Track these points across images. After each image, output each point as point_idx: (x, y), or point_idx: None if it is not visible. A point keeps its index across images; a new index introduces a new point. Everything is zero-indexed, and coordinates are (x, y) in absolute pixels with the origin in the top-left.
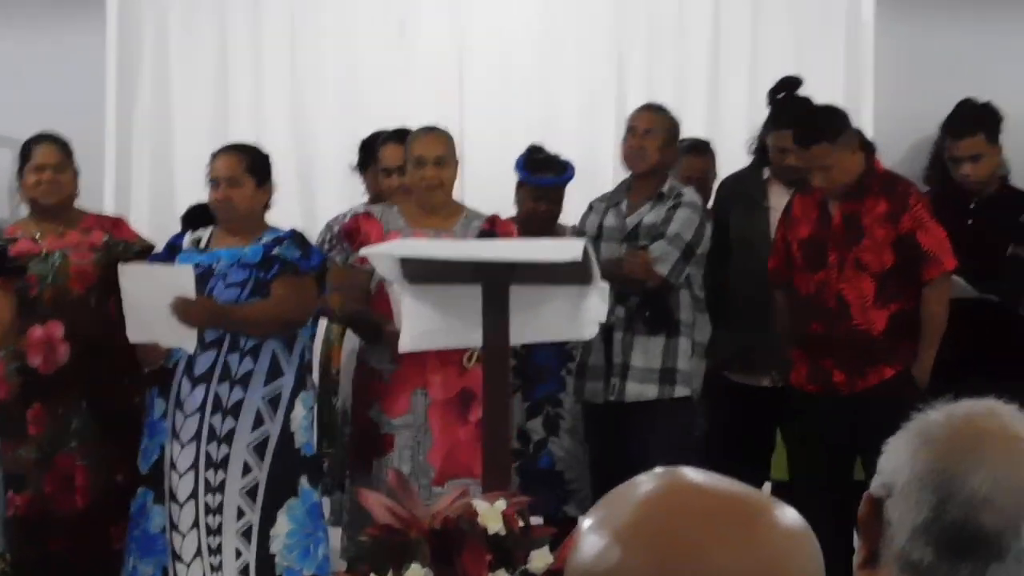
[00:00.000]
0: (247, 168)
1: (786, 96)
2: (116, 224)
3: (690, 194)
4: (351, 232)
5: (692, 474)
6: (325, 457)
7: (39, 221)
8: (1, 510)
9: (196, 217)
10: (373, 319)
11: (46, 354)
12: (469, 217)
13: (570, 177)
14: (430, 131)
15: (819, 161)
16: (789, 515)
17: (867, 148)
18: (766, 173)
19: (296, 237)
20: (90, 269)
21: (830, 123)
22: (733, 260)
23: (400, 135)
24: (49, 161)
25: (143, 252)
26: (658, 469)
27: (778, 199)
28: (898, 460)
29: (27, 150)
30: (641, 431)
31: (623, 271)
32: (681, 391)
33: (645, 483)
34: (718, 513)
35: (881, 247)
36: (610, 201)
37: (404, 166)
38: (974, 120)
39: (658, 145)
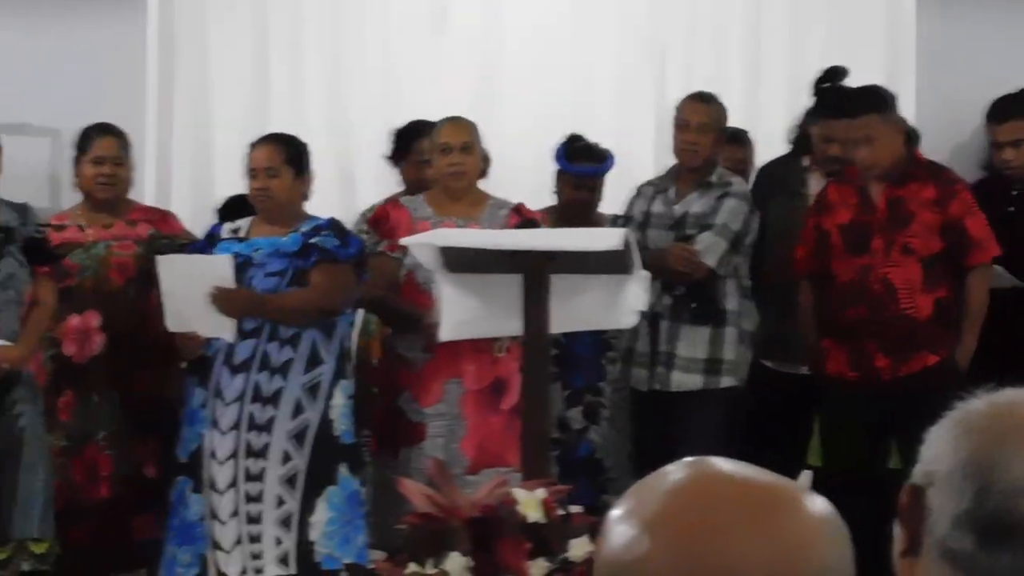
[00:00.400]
0: (285, 158)
1: (831, 86)
2: (163, 217)
3: (738, 184)
4: (379, 220)
5: (720, 463)
6: (365, 445)
7: (87, 210)
8: (50, 497)
9: (232, 209)
10: (404, 308)
11: (80, 343)
12: (495, 205)
13: (610, 166)
14: (455, 120)
15: (865, 131)
16: (816, 504)
17: (911, 138)
18: (805, 162)
19: (335, 225)
20: (131, 261)
21: (881, 98)
22: (770, 248)
23: (420, 127)
24: (109, 154)
25: (186, 247)
26: (687, 458)
27: (817, 188)
28: (939, 449)
29: (86, 140)
30: (685, 420)
31: (669, 264)
32: (727, 381)
33: (673, 472)
34: (745, 502)
35: (930, 232)
36: (658, 187)
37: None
38: (1016, 104)
39: (712, 140)
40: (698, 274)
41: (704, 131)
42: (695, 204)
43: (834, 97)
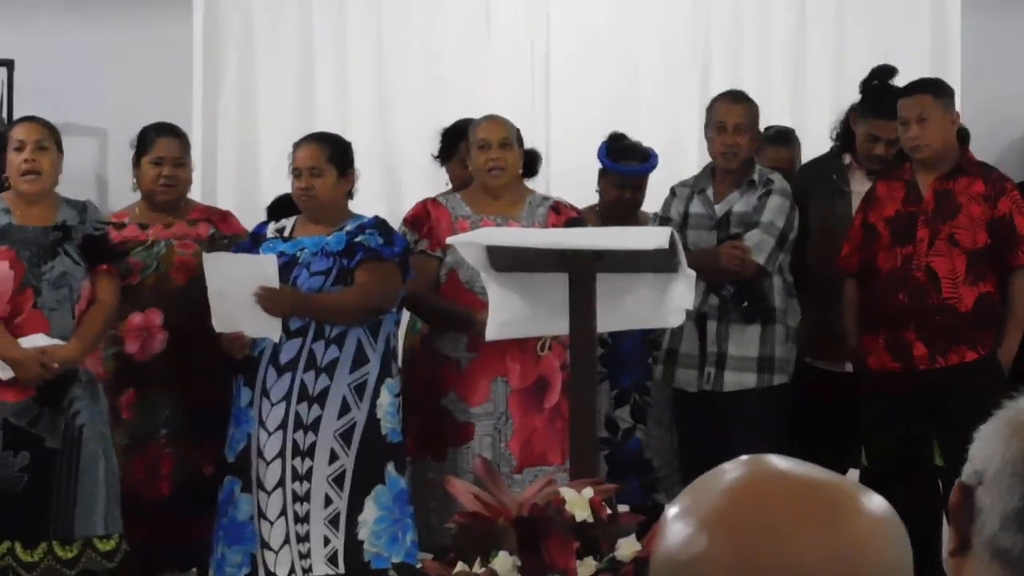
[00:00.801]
0: (329, 157)
1: (880, 84)
2: (224, 217)
3: (779, 180)
4: (418, 219)
5: (777, 461)
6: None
7: (147, 209)
8: (116, 489)
9: (282, 208)
10: (447, 307)
11: (143, 341)
12: (533, 203)
13: (654, 165)
14: (493, 117)
15: (919, 110)
16: (875, 502)
17: (962, 137)
18: (847, 159)
19: (380, 224)
20: (192, 261)
21: (939, 84)
22: (813, 245)
23: (465, 126)
24: (169, 155)
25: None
26: (743, 457)
27: (860, 185)
28: (989, 447)
29: (146, 140)
30: (739, 419)
31: (721, 264)
32: (779, 379)
33: (731, 471)
34: (803, 500)
35: (976, 225)
36: (694, 187)
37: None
38: None
39: (749, 139)
40: (748, 272)
41: (742, 131)
42: (738, 203)
43: (882, 96)
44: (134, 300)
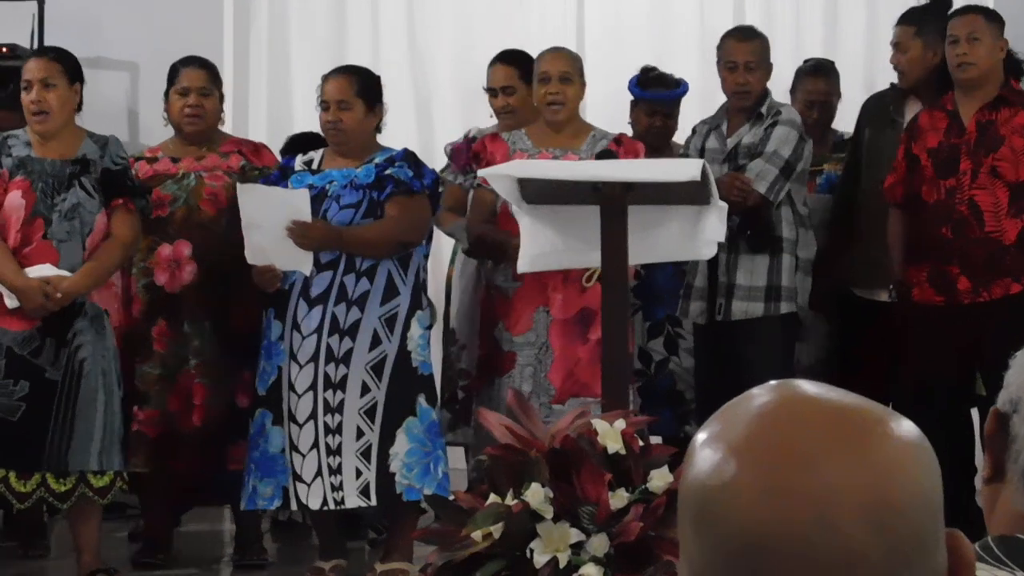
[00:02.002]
0: (357, 91)
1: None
2: (256, 149)
3: (788, 111)
4: (478, 153)
5: (807, 386)
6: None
7: (180, 142)
8: (121, 429)
9: (296, 147)
10: (501, 237)
11: (172, 272)
12: (596, 137)
13: (684, 92)
14: (557, 49)
15: (970, 29)
16: (905, 427)
17: (1014, 65)
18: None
19: (409, 156)
20: (222, 192)
21: (991, 9)
22: (864, 175)
23: (506, 56)
24: (195, 85)
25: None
26: (772, 382)
27: (912, 114)
28: None
29: (174, 73)
30: (748, 348)
31: (721, 194)
32: (787, 307)
33: (759, 396)
34: (832, 425)
35: (1019, 157)
36: (712, 123)
37: (508, 87)
38: None
39: (761, 75)
40: (750, 201)
41: (752, 69)
42: (746, 136)
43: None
44: (163, 232)
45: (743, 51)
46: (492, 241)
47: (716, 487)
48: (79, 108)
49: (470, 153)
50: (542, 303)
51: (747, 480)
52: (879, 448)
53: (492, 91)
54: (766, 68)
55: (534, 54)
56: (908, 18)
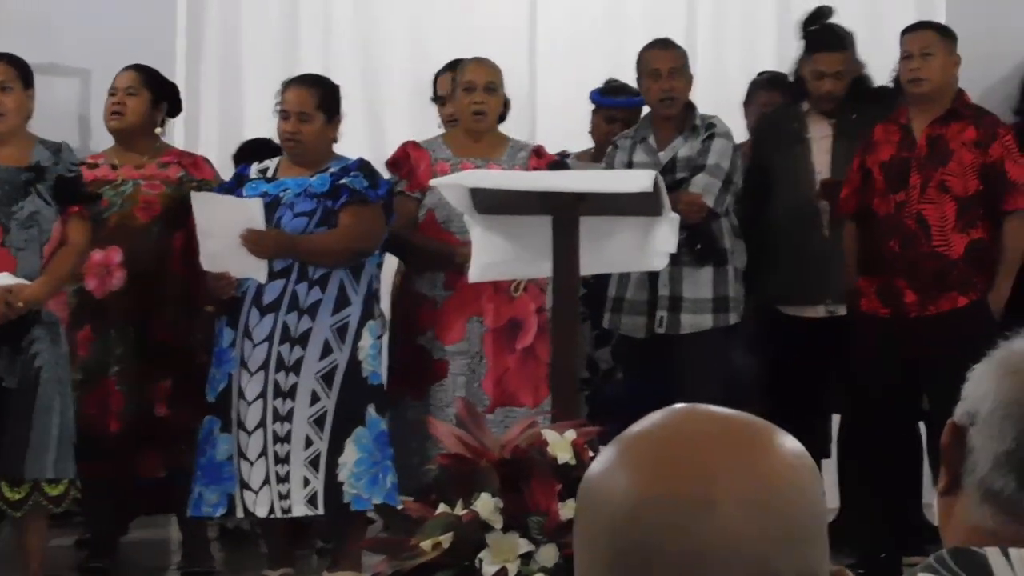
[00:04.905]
0: (318, 103)
1: (820, 27)
2: (196, 162)
3: (721, 124)
4: (399, 161)
5: (703, 405)
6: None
7: (121, 150)
8: (73, 436)
9: (248, 154)
10: (429, 245)
11: (101, 278)
12: (514, 147)
13: (643, 100)
14: (480, 59)
15: (923, 46)
16: (789, 441)
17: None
18: (805, 107)
19: (364, 166)
20: (157, 200)
21: (944, 26)
22: (776, 194)
23: (455, 65)
24: (122, 85)
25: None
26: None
27: (818, 130)
28: (983, 388)
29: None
30: (696, 360)
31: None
32: (733, 318)
33: (658, 412)
34: (719, 430)
35: (967, 172)
36: (636, 136)
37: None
38: None
39: (685, 83)
40: (699, 216)
41: (676, 75)
42: (682, 148)
43: (822, 32)
44: (96, 237)
45: (665, 59)
46: (419, 247)
47: (598, 475)
48: (30, 115)
49: (390, 161)
50: (475, 312)
51: (627, 468)
52: (762, 452)
53: (440, 100)
54: (688, 77)
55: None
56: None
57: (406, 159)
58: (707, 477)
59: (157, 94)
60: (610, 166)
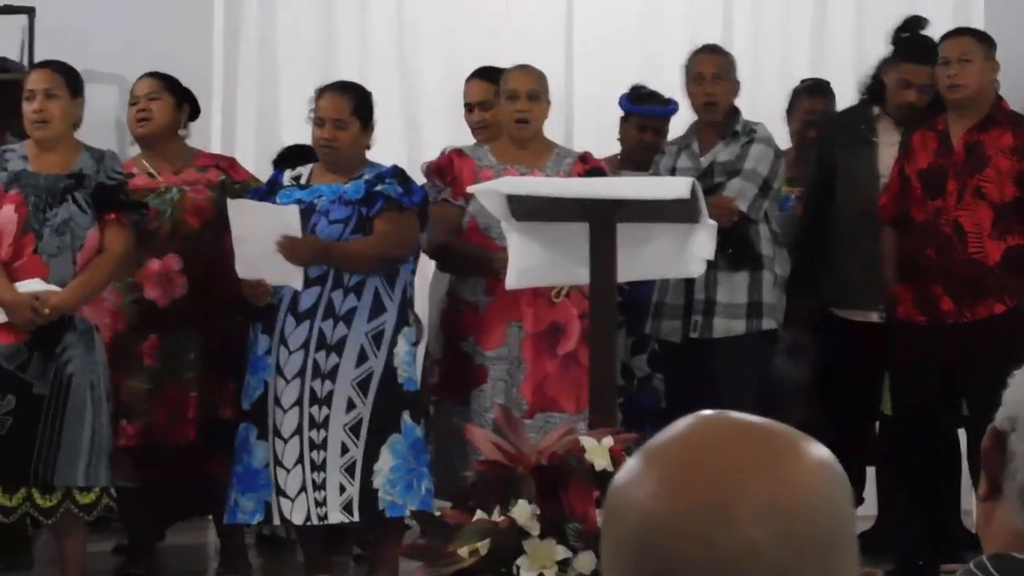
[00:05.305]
0: (353, 110)
1: (912, 35)
2: (231, 164)
3: (763, 130)
4: (443, 169)
5: (730, 412)
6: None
7: (152, 158)
8: (108, 444)
9: (288, 159)
10: (471, 251)
11: (163, 287)
12: (560, 154)
13: (675, 110)
14: (524, 67)
15: (962, 51)
16: (816, 450)
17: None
18: (875, 111)
19: (398, 173)
20: (206, 205)
21: (983, 33)
22: (839, 195)
23: (483, 71)
24: (141, 92)
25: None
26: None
27: (887, 136)
28: (1022, 394)
29: (133, 90)
30: (730, 366)
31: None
32: (768, 324)
33: (685, 418)
34: (743, 438)
35: (1003, 178)
36: (681, 143)
37: (485, 102)
38: None
39: (728, 88)
40: (731, 220)
41: (720, 80)
42: (721, 153)
43: (914, 43)
44: (150, 246)
45: (710, 63)
46: (464, 254)
47: (623, 484)
48: (79, 124)
49: (435, 168)
50: (514, 318)
51: (652, 476)
52: (786, 462)
53: (469, 107)
54: (733, 82)
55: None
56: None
57: (450, 166)
58: (729, 488)
59: (178, 96)
60: (656, 172)
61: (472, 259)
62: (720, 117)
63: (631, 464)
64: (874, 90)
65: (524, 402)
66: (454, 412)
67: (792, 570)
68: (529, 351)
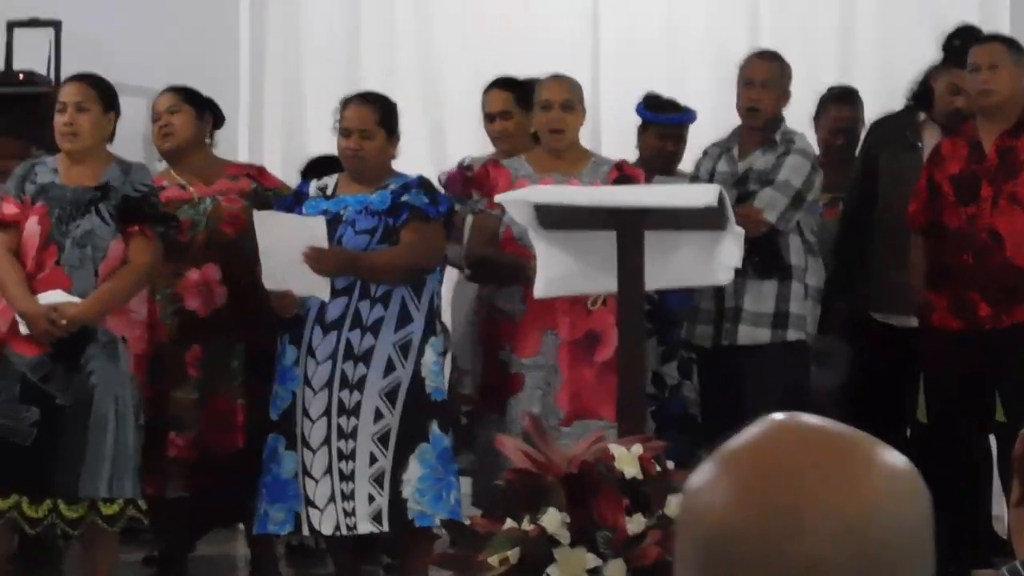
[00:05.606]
0: (379, 120)
1: (963, 42)
2: (261, 172)
3: (801, 140)
4: (479, 179)
5: (805, 416)
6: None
7: (181, 170)
8: (137, 456)
9: (316, 170)
10: (508, 260)
11: (204, 297)
12: (596, 163)
13: (693, 118)
14: (559, 77)
15: (991, 58)
16: (894, 458)
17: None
18: (921, 116)
19: (424, 183)
20: (241, 214)
21: (1013, 39)
22: (882, 199)
23: (502, 81)
24: (161, 107)
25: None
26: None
27: (932, 141)
28: None
29: (154, 105)
30: (753, 374)
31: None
32: (794, 335)
33: (761, 421)
34: (819, 446)
35: None
36: (723, 146)
37: (506, 112)
38: None
39: (775, 96)
40: (758, 231)
41: (767, 87)
42: (758, 161)
43: (967, 50)
44: (187, 257)
45: (761, 69)
46: (502, 263)
47: (696, 489)
48: (111, 138)
49: (471, 180)
50: (550, 326)
51: (726, 482)
52: (863, 473)
53: (489, 116)
54: (781, 91)
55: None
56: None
57: (486, 177)
58: (800, 498)
59: (199, 107)
60: (696, 174)
61: (507, 268)
62: (761, 123)
63: (705, 467)
64: (922, 95)
65: (561, 410)
66: (491, 421)
67: None
68: (566, 359)
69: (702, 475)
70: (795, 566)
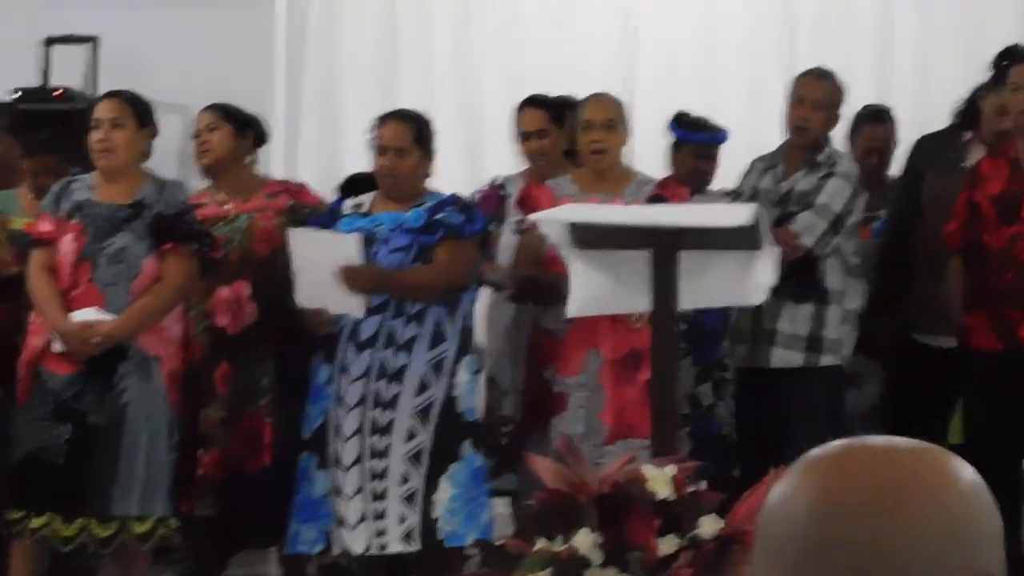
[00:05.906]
0: (415, 138)
1: (1012, 64)
2: (300, 190)
3: (845, 163)
4: (523, 199)
5: (882, 437)
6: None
7: (220, 187)
8: (170, 475)
9: (354, 187)
10: (552, 279)
11: (234, 314)
12: (640, 182)
13: (725, 137)
14: (599, 96)
15: None
16: (972, 472)
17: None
18: (967, 136)
19: (459, 202)
20: (275, 231)
21: None
22: (927, 219)
23: (536, 100)
24: (201, 125)
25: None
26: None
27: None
28: None
29: (195, 123)
30: (785, 397)
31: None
32: (828, 360)
33: (836, 441)
34: (900, 461)
35: None
36: (768, 162)
37: (542, 130)
38: None
39: (825, 117)
40: (794, 255)
41: (818, 108)
42: (801, 182)
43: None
44: (220, 274)
45: (813, 88)
46: (546, 283)
47: (774, 504)
48: (148, 155)
49: (520, 200)
50: (593, 345)
51: (804, 496)
52: (951, 490)
53: (524, 135)
54: (831, 112)
55: (584, 96)
56: None
57: (529, 197)
58: (889, 490)
59: (238, 125)
60: (740, 189)
61: (551, 287)
62: (808, 142)
63: (787, 478)
64: (968, 114)
65: (605, 429)
66: (534, 441)
67: None
68: (609, 378)
69: (778, 489)
70: (885, 555)
